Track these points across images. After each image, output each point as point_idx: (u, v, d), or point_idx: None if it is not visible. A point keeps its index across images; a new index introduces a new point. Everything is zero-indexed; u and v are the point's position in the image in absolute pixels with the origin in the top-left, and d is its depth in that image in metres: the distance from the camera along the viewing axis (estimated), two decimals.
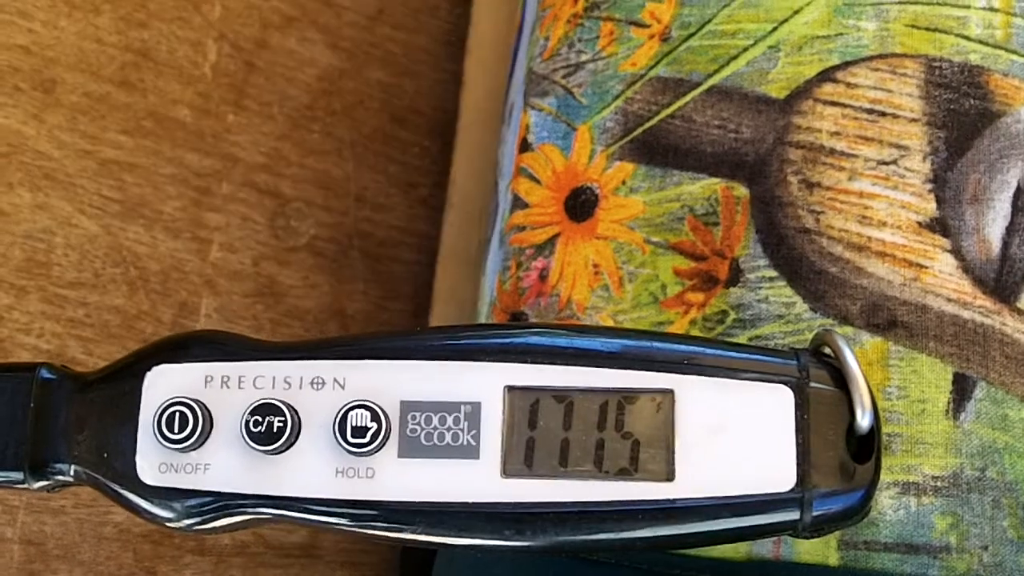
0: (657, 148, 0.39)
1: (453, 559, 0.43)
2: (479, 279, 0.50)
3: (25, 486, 0.32)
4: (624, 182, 0.39)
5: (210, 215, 0.55)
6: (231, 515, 0.32)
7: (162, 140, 0.54)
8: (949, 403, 0.34)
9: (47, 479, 0.32)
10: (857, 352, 0.35)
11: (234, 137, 0.56)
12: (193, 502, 0.31)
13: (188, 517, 0.32)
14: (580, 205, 0.40)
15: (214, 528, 0.32)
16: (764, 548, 0.35)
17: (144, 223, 0.53)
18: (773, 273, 0.36)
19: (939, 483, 0.34)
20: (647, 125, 0.39)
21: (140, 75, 0.54)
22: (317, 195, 0.58)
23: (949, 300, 0.35)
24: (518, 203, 0.42)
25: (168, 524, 0.32)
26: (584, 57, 0.41)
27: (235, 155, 0.56)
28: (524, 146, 0.42)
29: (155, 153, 0.54)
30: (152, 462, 0.31)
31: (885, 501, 0.34)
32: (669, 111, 0.39)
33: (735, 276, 0.37)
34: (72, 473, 0.32)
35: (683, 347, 0.31)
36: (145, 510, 0.32)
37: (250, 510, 0.31)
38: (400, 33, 0.62)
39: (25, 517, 0.48)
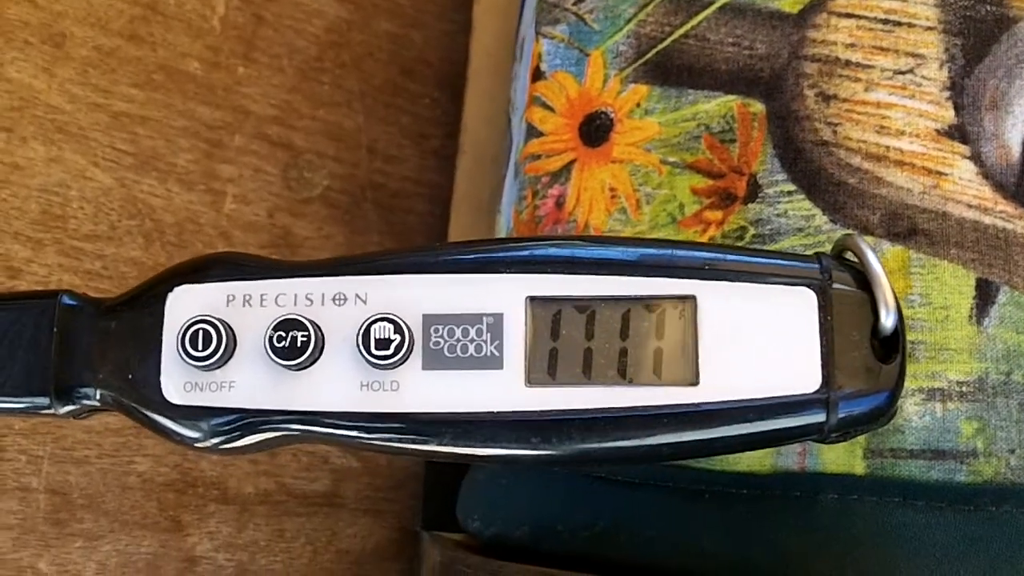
0: (671, 69, 0.39)
1: (476, 491, 0.43)
2: (492, 223, 0.50)
3: (52, 411, 0.33)
4: (639, 104, 0.39)
5: (223, 167, 0.55)
6: (257, 432, 0.32)
7: (173, 93, 0.54)
8: (972, 309, 0.34)
9: (73, 403, 0.32)
10: None
11: (245, 90, 0.56)
12: (219, 420, 0.32)
13: (215, 436, 0.32)
14: (595, 130, 0.40)
15: (241, 447, 0.32)
16: (790, 460, 0.35)
17: (158, 175, 0.53)
18: (791, 187, 0.36)
19: (964, 388, 0.34)
20: (660, 47, 0.39)
21: (149, 29, 0.54)
22: (329, 147, 0.58)
23: (969, 206, 0.35)
24: (532, 132, 0.42)
25: (196, 445, 0.32)
26: None
27: (246, 107, 0.56)
28: (537, 75, 0.42)
29: (166, 106, 0.54)
30: (177, 382, 0.31)
31: (910, 408, 0.34)
32: (682, 31, 0.39)
33: (753, 192, 0.37)
34: (98, 397, 0.32)
35: (704, 253, 0.31)
36: (172, 430, 0.32)
37: (276, 426, 0.32)
38: None
39: (49, 467, 0.49)
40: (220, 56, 0.56)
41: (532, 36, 0.44)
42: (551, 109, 0.42)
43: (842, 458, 0.34)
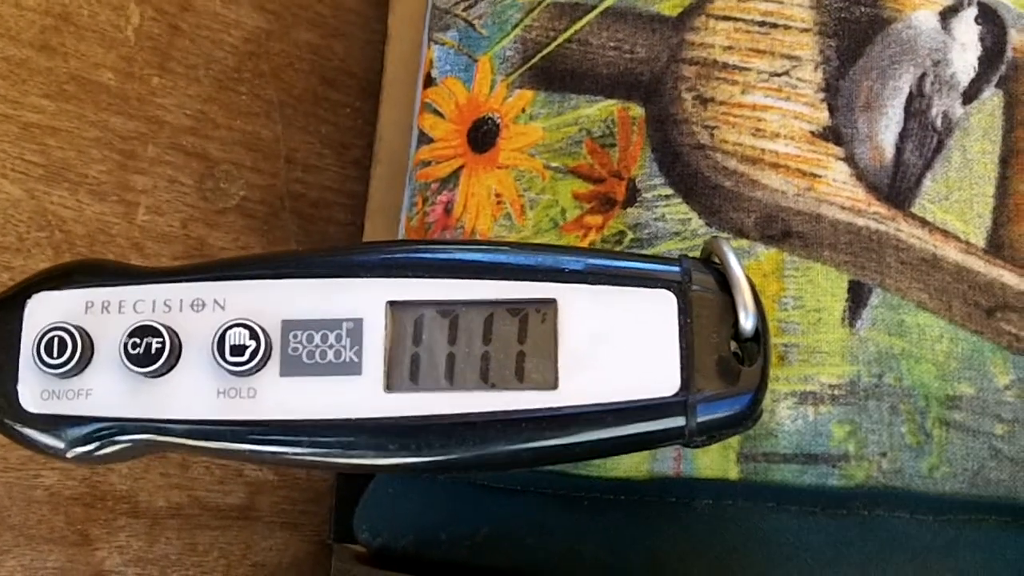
0: (555, 74, 0.39)
1: (368, 501, 0.42)
2: None
3: None
4: (524, 110, 0.39)
5: (136, 178, 0.55)
6: (116, 442, 0.31)
7: (85, 104, 0.54)
8: (845, 311, 0.34)
9: None
10: (752, 264, 0.34)
11: (159, 100, 0.56)
12: (77, 429, 0.31)
13: (76, 445, 0.31)
14: (482, 136, 0.40)
15: (105, 456, 0.32)
16: (665, 465, 0.35)
17: (69, 187, 0.53)
18: (669, 191, 0.36)
19: (836, 391, 0.33)
20: (545, 51, 0.39)
21: (61, 39, 0.54)
22: (246, 157, 0.58)
23: (843, 208, 0.34)
24: (423, 138, 0.42)
25: (60, 455, 0.32)
26: None
27: (161, 118, 0.56)
28: (428, 81, 0.42)
29: (78, 117, 0.54)
30: (34, 390, 0.31)
31: (783, 412, 0.34)
32: (566, 36, 0.39)
33: (632, 196, 0.37)
34: None
35: (565, 257, 0.31)
36: (32, 439, 0.31)
37: (134, 435, 0.31)
38: None
39: None
40: (134, 66, 0.55)
41: (426, 42, 0.43)
42: (441, 115, 0.41)
43: (716, 463, 0.34)
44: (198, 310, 0.31)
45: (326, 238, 0.59)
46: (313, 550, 0.56)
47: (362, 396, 0.30)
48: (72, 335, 0.31)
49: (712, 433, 0.30)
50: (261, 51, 0.59)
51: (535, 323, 0.31)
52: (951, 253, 0.34)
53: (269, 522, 0.55)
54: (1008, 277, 0.34)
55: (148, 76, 0.56)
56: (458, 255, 0.31)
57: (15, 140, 0.52)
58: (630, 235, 0.36)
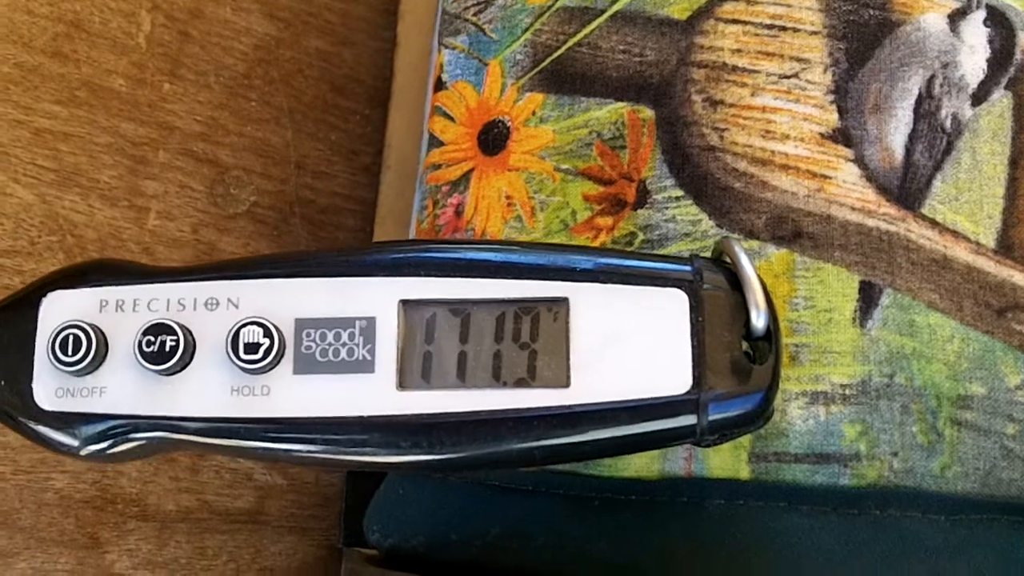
0: (565, 77, 0.39)
1: (378, 502, 0.42)
2: None
3: None
4: (534, 113, 0.39)
5: (147, 183, 0.55)
6: (130, 440, 0.31)
7: (97, 110, 0.54)
8: (856, 311, 0.34)
9: None
10: (763, 265, 0.35)
11: (170, 106, 0.56)
12: (91, 427, 0.31)
13: (89, 443, 0.31)
14: (492, 139, 0.40)
15: (118, 454, 0.32)
16: (676, 465, 0.35)
17: (80, 192, 0.53)
18: (679, 192, 0.36)
19: (847, 391, 0.34)
20: (555, 55, 0.39)
21: (73, 46, 0.54)
22: (256, 163, 0.58)
23: (853, 209, 0.35)
24: (434, 142, 0.42)
25: (73, 453, 0.32)
26: None
27: (172, 124, 0.56)
28: (439, 85, 0.42)
29: (90, 123, 0.54)
30: (48, 387, 0.31)
31: (794, 412, 0.34)
32: (576, 39, 0.39)
33: (642, 198, 0.37)
34: None
35: (577, 256, 0.31)
36: (47, 437, 0.31)
37: (147, 433, 0.31)
38: (338, 2, 0.62)
39: None
40: (146, 73, 0.56)
41: (436, 47, 0.44)
42: (451, 119, 0.42)
43: (728, 463, 0.34)
44: (212, 309, 0.31)
45: (335, 244, 0.59)
46: (322, 555, 0.56)
47: (374, 394, 0.31)
48: (87, 333, 0.31)
49: (724, 432, 0.30)
50: (271, 58, 0.59)
51: (547, 322, 0.31)
52: (961, 254, 0.34)
53: (278, 526, 0.55)
54: (1018, 278, 0.34)
55: (159, 82, 0.56)
56: (470, 254, 0.32)
57: (27, 145, 0.52)
58: (640, 236, 0.36)
